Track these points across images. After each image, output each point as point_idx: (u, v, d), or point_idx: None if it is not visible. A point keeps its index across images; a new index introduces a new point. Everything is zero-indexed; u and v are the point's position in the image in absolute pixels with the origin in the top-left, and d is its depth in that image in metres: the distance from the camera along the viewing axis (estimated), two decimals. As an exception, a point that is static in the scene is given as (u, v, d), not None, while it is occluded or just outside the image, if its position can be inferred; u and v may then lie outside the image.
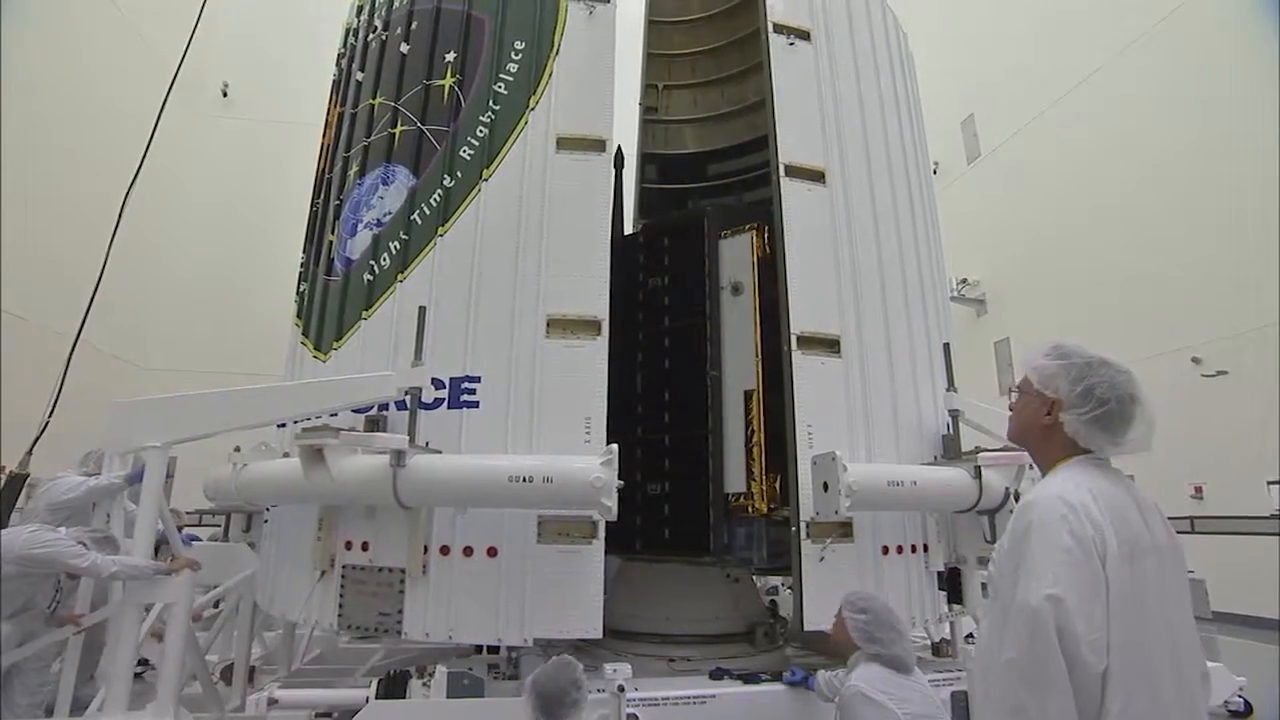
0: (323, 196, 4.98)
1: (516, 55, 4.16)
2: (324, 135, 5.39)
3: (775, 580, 5.95)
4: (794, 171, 4.11)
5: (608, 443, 3.38)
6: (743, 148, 5.72)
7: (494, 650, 3.94)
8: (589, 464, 3.10)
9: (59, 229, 9.68)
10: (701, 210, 5.23)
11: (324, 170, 5.16)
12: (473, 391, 3.62)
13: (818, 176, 4.19)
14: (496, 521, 3.43)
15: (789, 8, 4.46)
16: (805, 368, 3.79)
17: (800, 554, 3.54)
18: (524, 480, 3.07)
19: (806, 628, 3.42)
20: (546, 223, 3.86)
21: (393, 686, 3.17)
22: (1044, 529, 1.51)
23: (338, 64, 5.44)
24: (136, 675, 3.69)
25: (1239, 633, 7.79)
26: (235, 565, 4.82)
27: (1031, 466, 2.48)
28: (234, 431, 3.77)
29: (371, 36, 4.81)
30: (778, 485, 4.09)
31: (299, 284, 5.11)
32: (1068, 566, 1.46)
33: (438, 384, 3.62)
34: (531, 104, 4.05)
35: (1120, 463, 1.70)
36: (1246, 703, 4.67)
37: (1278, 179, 8.38)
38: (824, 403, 3.80)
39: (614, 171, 4.94)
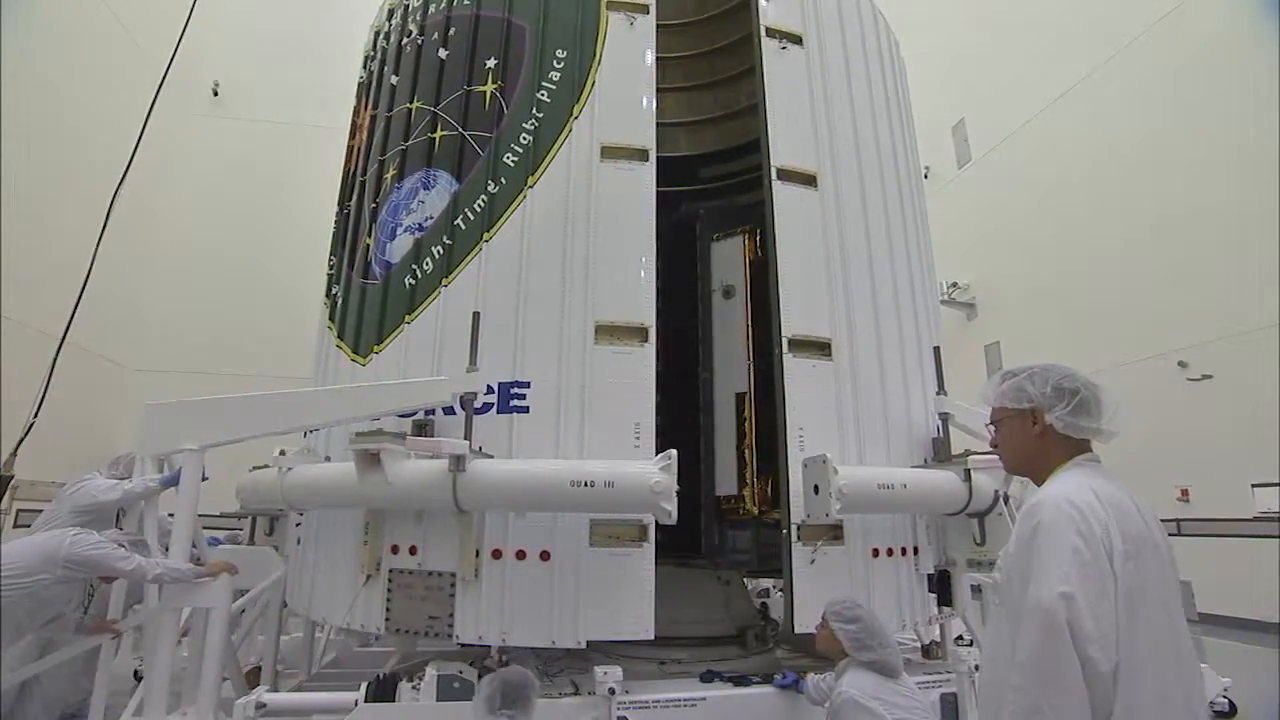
0: (355, 199, 4.92)
1: (559, 63, 4.14)
2: (353, 137, 5.32)
3: (766, 582, 5.97)
4: (786, 175, 4.13)
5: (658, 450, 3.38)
6: (735, 151, 5.72)
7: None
8: (648, 469, 3.13)
9: (48, 230, 9.58)
10: (694, 213, 5.24)
11: (354, 173, 5.09)
12: (523, 396, 3.62)
13: (809, 180, 4.20)
14: (549, 525, 3.43)
15: (781, 12, 4.49)
16: (796, 371, 3.81)
17: (791, 556, 3.55)
18: (586, 485, 3.09)
19: (797, 630, 3.43)
20: (592, 230, 3.85)
21: (382, 689, 3.15)
22: (1052, 530, 1.54)
23: (365, 66, 5.38)
24: (139, 680, 3.65)
25: (1224, 634, 7.86)
26: (262, 568, 4.78)
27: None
28: (258, 437, 3.68)
29: (406, 41, 4.77)
30: (769, 488, 4.10)
31: (329, 286, 5.05)
32: (1077, 566, 1.48)
33: (487, 389, 3.60)
34: (575, 112, 4.04)
35: (1110, 465, 1.72)
36: (1231, 703, 4.70)
37: (1277, 183, 8.44)
38: (815, 406, 3.81)
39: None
